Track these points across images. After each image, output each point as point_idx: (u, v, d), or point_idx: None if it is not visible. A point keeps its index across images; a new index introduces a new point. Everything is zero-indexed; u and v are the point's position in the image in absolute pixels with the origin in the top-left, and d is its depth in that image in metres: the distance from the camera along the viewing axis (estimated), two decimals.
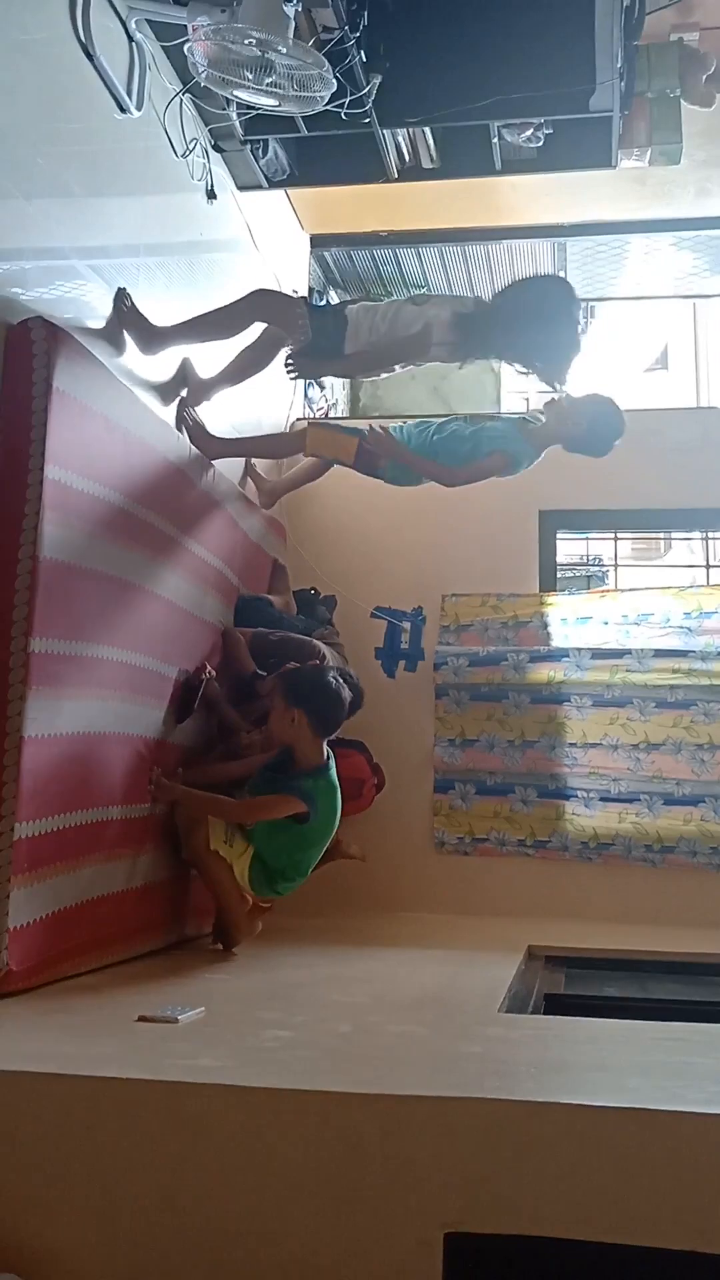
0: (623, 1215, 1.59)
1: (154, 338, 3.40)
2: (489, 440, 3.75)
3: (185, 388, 3.71)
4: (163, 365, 3.54)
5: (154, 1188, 1.69)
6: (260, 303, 3.67)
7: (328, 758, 3.24)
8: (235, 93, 3.08)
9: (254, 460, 4.36)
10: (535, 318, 3.46)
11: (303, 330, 3.53)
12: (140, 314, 3.32)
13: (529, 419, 3.84)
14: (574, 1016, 2.70)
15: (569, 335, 3.55)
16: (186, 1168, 1.69)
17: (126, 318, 3.27)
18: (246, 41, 2.87)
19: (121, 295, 3.26)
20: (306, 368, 3.80)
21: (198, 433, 3.71)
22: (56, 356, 2.63)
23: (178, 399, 3.68)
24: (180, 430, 3.63)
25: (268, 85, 2.95)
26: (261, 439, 4.45)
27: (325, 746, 3.24)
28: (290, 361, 3.67)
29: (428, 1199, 1.63)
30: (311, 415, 5.40)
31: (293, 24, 2.91)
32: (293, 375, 3.80)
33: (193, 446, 3.60)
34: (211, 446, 3.74)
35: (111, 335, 3.23)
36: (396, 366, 3.67)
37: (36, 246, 2.84)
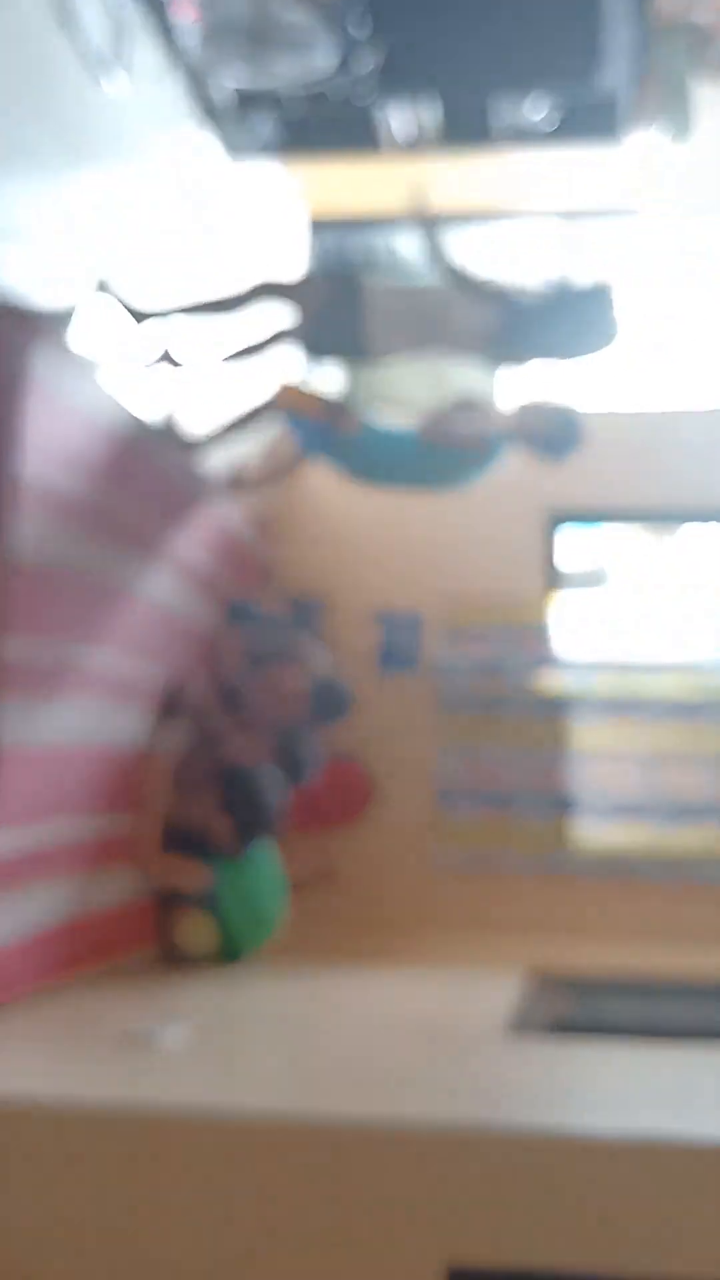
0: (632, 1247, 1.57)
1: (144, 320, 3.29)
2: None
3: (173, 383, 3.60)
4: (146, 356, 3.42)
5: (139, 1221, 1.67)
6: (264, 287, 3.50)
7: (249, 860, 3.24)
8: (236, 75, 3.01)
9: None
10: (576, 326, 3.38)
11: (312, 303, 3.37)
12: (126, 301, 3.21)
13: None
14: (582, 1041, 2.63)
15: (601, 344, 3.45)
16: (174, 1199, 1.67)
17: (114, 307, 3.17)
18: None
19: (102, 286, 3.16)
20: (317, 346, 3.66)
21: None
22: (32, 347, 2.52)
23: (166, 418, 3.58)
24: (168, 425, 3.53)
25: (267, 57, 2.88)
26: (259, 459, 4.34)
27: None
28: (301, 339, 3.50)
29: (429, 1231, 1.62)
30: None
31: None
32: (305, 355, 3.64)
33: (179, 443, 3.52)
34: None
35: (94, 326, 3.13)
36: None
37: (8, 226, 2.74)
